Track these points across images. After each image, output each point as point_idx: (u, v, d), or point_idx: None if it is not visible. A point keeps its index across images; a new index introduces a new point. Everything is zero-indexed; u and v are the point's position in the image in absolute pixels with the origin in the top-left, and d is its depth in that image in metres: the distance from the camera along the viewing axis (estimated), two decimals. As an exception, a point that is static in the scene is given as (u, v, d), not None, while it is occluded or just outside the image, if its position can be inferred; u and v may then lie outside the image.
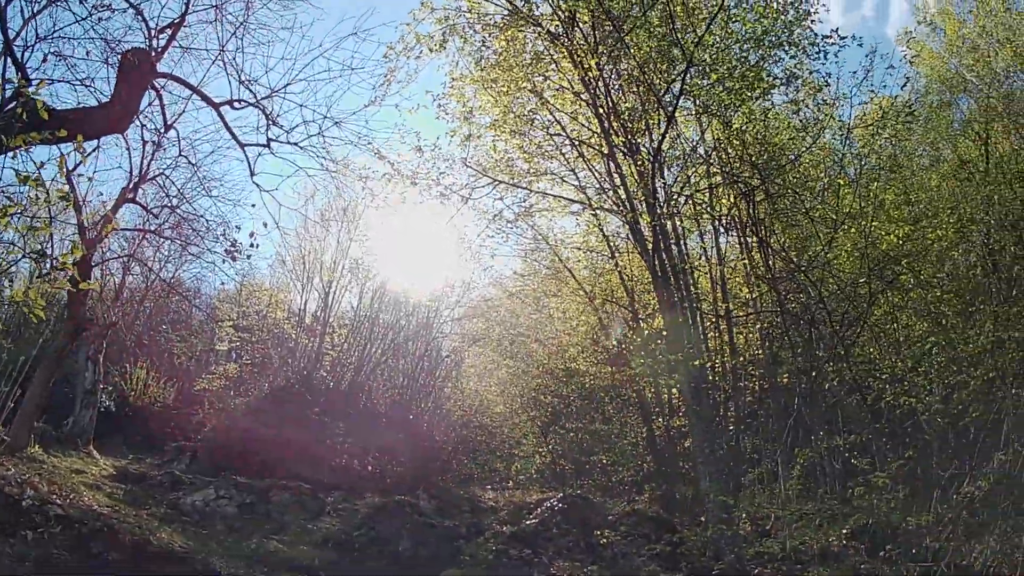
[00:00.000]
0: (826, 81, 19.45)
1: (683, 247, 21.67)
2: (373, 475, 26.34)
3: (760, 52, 18.71)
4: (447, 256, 33.75)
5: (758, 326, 21.76)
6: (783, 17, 18.57)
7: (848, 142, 20.37)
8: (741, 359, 21.51)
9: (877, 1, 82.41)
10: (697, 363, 18.31)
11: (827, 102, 19.98)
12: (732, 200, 20.81)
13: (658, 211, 19.07)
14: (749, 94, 18.14)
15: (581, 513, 19.57)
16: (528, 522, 19.68)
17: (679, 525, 18.84)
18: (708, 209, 21.13)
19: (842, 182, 20.21)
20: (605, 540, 18.01)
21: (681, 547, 17.07)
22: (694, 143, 21.49)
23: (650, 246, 19.21)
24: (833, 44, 18.58)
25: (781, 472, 18.07)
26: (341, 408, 28.35)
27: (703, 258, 22.53)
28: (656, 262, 19.12)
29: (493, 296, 29.80)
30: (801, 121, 20.05)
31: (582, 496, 20.58)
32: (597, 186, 21.30)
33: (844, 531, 15.48)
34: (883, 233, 19.47)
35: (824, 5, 19.38)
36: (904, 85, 21.43)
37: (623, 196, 19.83)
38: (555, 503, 19.97)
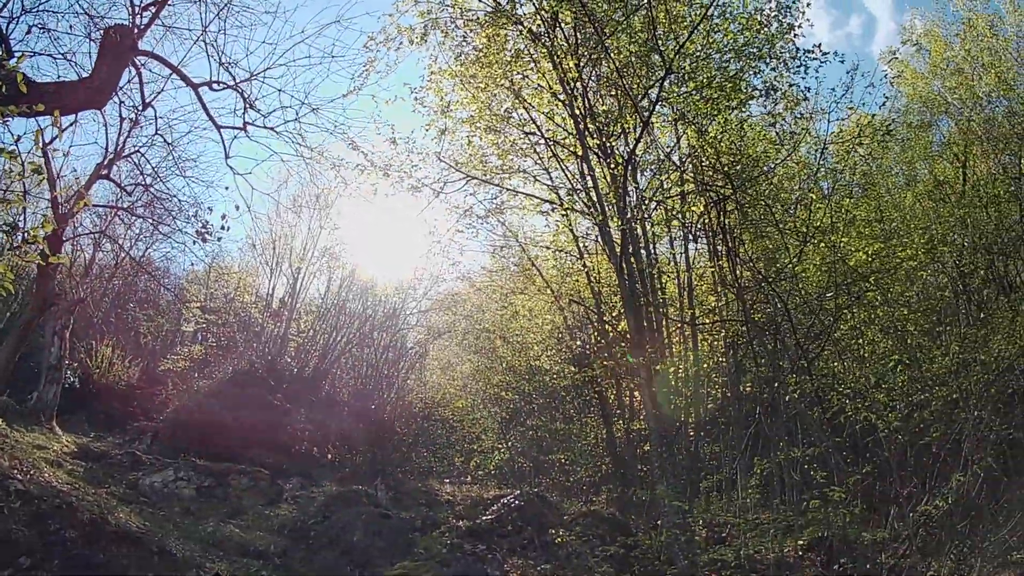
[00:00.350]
0: (805, 95, 19.58)
1: (652, 252, 21.75)
2: (332, 463, 26.35)
3: (740, 63, 18.81)
4: (417, 249, 33.86)
5: (723, 334, 21.82)
6: (766, 30, 18.67)
7: (823, 157, 20.46)
8: (704, 366, 21.58)
9: (864, 20, 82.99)
10: (659, 368, 18.38)
11: (804, 116, 20.13)
12: (703, 208, 20.87)
13: (628, 215, 19.12)
14: (726, 104, 18.22)
15: (537, 511, 19.58)
16: (484, 518, 19.67)
17: (635, 528, 18.88)
18: (678, 216, 21.19)
19: (814, 196, 20.30)
20: (560, 539, 18.01)
21: (635, 550, 17.07)
22: (669, 150, 21.59)
23: (618, 249, 19.23)
24: (814, 59, 18.72)
25: (739, 481, 18.14)
26: (304, 395, 28.34)
27: (672, 264, 22.59)
28: (623, 265, 19.15)
29: (461, 291, 29.82)
30: (777, 134, 20.15)
31: (539, 495, 20.60)
32: (569, 187, 21.33)
33: (800, 542, 15.58)
34: (852, 249, 19.58)
35: (808, 20, 19.45)
36: (884, 104, 21.60)
37: (594, 198, 19.83)
38: (512, 500, 19.97)
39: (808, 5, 18.65)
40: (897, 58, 30.06)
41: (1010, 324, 18.91)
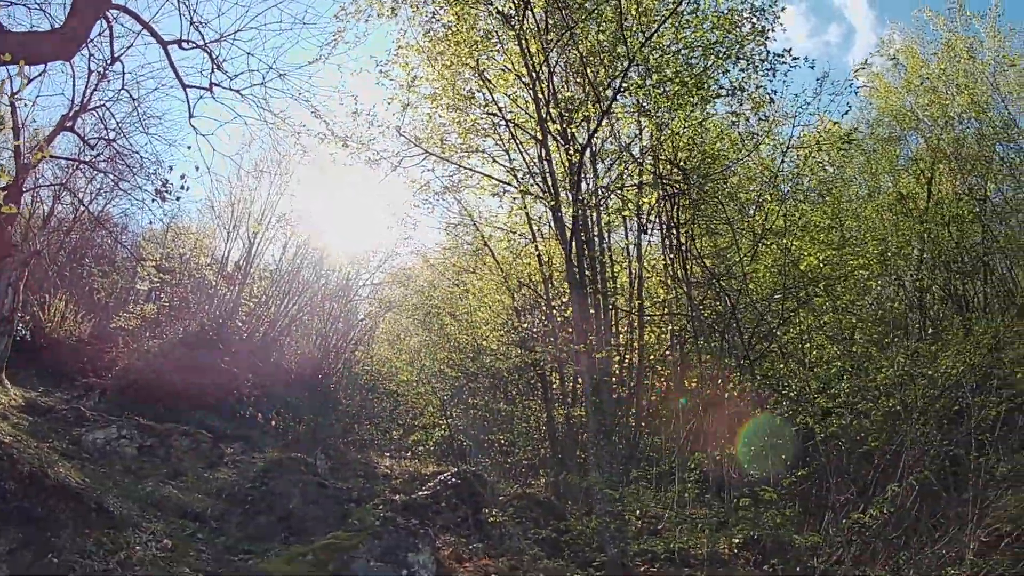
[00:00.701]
0: (771, 98, 19.68)
1: (603, 240, 21.80)
2: (276, 430, 26.33)
3: (709, 61, 18.86)
4: (373, 223, 33.88)
5: (670, 328, 21.93)
6: (738, 30, 18.74)
7: (784, 160, 20.58)
8: (650, 358, 21.69)
9: (844, 30, 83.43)
10: (600, 354, 18.45)
11: (768, 118, 20.21)
12: (657, 200, 20.93)
13: (581, 201, 19.20)
14: (688, 100, 18.27)
15: (473, 490, 19.63)
16: (420, 493, 19.71)
17: (569, 513, 18.98)
18: (632, 207, 21.26)
19: (770, 197, 20.41)
20: (493, 519, 18.08)
21: (567, 535, 17.18)
22: (629, 141, 21.67)
23: (569, 234, 19.30)
24: (784, 63, 18.82)
25: (677, 475, 18.25)
26: (252, 360, 28.22)
27: (624, 254, 22.67)
28: (572, 249, 19.25)
29: (414, 266, 29.78)
30: (740, 134, 20.24)
31: (476, 474, 20.64)
32: (526, 169, 21.34)
33: (735, 540, 15.69)
34: (804, 253, 19.72)
35: (782, 25, 19.47)
36: (847, 112, 21.70)
37: (550, 183, 19.88)
38: (449, 477, 20.01)
39: (783, 10, 18.79)
40: (872, 71, 30.26)
41: (962, 342, 19.14)
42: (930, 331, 22.84)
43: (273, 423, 26.57)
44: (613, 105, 19.58)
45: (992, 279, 27.57)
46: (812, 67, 21.03)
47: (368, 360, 31.83)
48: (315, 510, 18.87)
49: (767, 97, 19.41)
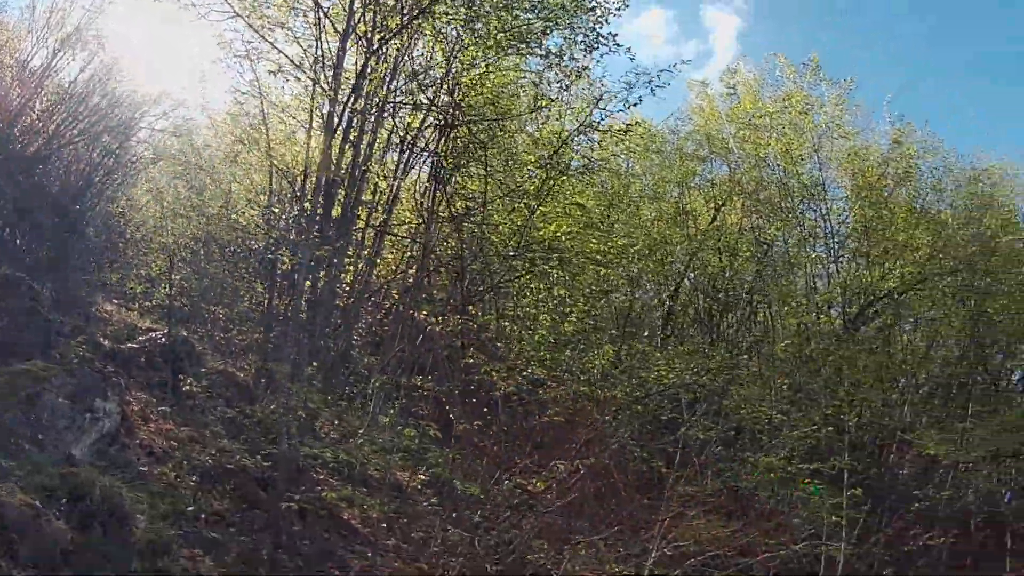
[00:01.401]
0: (578, 73, 20.13)
1: (371, 151, 21.65)
2: (16, 246, 25.42)
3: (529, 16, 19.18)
4: (175, 67, 33.03)
5: (409, 254, 22.14)
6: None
7: (576, 135, 21.12)
8: (383, 274, 21.91)
9: (702, 50, 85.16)
10: (322, 252, 18.46)
11: (567, 88, 20.70)
12: (430, 129, 21.10)
13: (359, 104, 19.28)
14: (485, 43, 18.51)
15: (179, 356, 19.41)
16: (128, 345, 19.47)
17: (261, 399, 18.89)
18: (403, 125, 21.39)
19: (532, 157, 20.88)
20: (188, 388, 17.97)
21: (250, 418, 17.26)
22: (426, 63, 21.74)
23: (340, 134, 19.45)
24: (604, 44, 19.29)
25: (374, 396, 18.52)
26: (14, 173, 27.09)
27: (386, 171, 22.67)
28: (330, 146, 19.51)
29: (200, 122, 29.14)
30: (537, 95, 20.62)
31: (188, 341, 20.38)
32: (320, 58, 21.03)
33: (421, 477, 16.09)
34: (546, 222, 20.28)
35: (619, 9, 19.84)
36: (637, 103, 21.91)
37: (337, 82, 19.78)
38: (159, 337, 19.78)
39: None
40: (707, 91, 31.08)
41: (674, 351, 20.08)
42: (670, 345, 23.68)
43: (18, 242, 25.68)
44: (422, 25, 19.67)
45: (755, 320, 28.84)
46: (632, 58, 21.54)
47: (126, 205, 31.04)
48: (25, 336, 18.42)
49: (576, 72, 19.88)
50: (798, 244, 28.81)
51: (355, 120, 19.87)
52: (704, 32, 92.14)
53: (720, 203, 28.00)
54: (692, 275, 27.67)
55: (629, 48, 20.40)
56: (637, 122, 23.00)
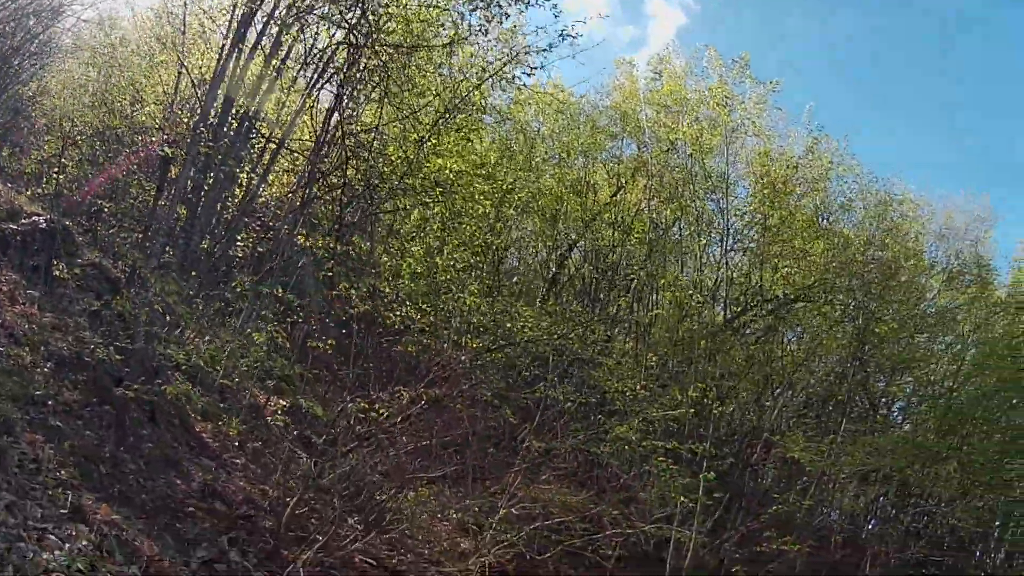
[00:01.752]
0: (500, 20, 20.42)
1: (282, 62, 21.56)
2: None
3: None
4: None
5: (306, 173, 22.11)
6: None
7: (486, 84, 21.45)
8: (271, 189, 21.94)
9: (635, 37, 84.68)
10: (207, 150, 18.43)
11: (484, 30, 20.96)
12: (340, 45, 21.06)
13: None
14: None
15: (57, 243, 19.31)
16: (9, 226, 19.29)
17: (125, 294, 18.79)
18: (309, 43, 21.37)
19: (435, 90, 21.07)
20: (60, 275, 17.86)
21: (111, 310, 17.21)
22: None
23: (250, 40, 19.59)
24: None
25: (245, 312, 18.51)
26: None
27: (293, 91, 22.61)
28: (241, 56, 19.52)
29: (124, 17, 28.64)
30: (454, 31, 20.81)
31: (68, 230, 20.23)
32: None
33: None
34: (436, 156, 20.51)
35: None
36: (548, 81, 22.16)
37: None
38: (41, 222, 19.60)
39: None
40: (631, 69, 31.32)
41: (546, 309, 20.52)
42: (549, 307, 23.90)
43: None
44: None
45: (638, 300, 29.20)
46: (557, 15, 21.84)
47: (37, 90, 30.48)
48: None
49: (499, 18, 20.17)
50: (693, 233, 29.10)
51: (268, 27, 19.80)
52: (644, 19, 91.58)
53: (623, 180, 28.15)
54: (583, 244, 27.88)
55: (555, 4, 20.73)
56: (555, 85, 23.21)
